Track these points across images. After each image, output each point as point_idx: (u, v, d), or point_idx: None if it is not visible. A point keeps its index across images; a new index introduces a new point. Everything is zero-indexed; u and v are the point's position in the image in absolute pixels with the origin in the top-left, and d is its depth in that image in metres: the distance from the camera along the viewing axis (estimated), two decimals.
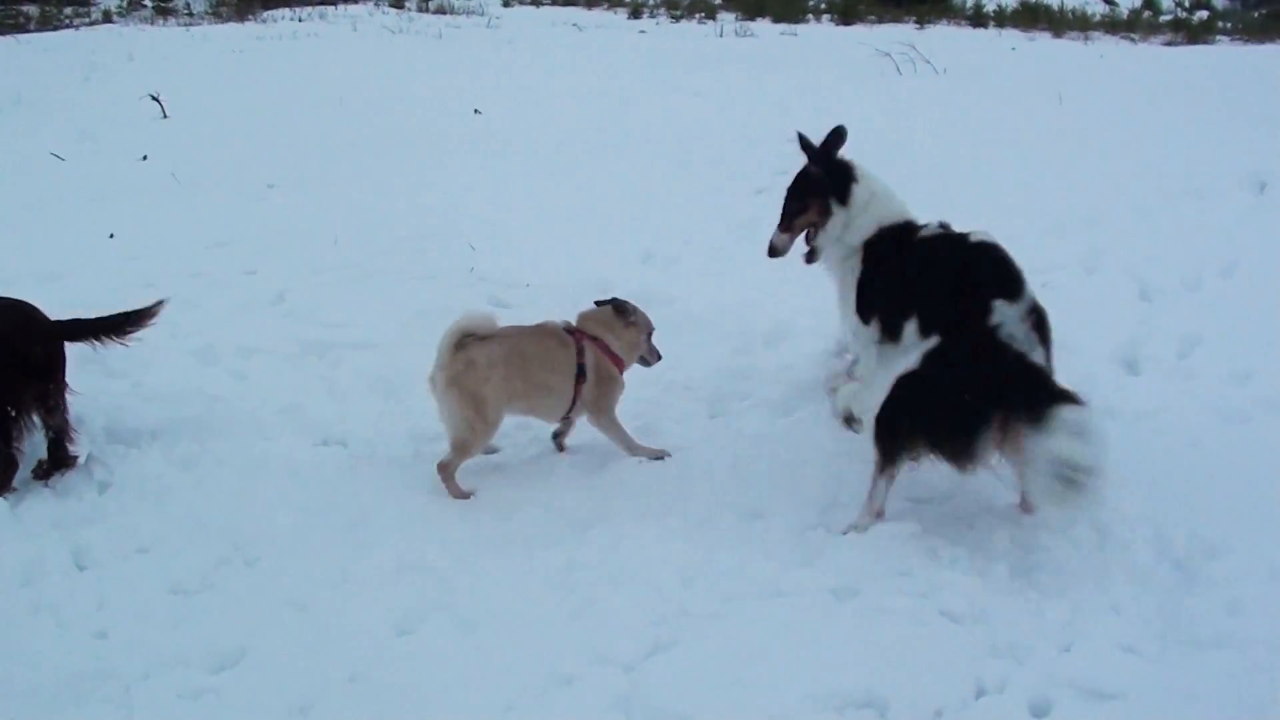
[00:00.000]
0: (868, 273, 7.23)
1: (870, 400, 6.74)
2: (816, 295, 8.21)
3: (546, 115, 16.86)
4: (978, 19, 31.37)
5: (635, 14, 31.74)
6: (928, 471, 6.92)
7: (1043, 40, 27.31)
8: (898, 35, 24.51)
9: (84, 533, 6.51)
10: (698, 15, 31.62)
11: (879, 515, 6.49)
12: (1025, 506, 6.51)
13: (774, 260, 7.67)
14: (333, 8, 30.92)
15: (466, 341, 7.11)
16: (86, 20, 30.44)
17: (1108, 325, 8.53)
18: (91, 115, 17.38)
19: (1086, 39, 27.30)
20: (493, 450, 7.65)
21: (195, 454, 7.39)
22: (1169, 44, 26.65)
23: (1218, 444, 6.93)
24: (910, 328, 6.71)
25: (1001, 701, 4.98)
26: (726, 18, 30.47)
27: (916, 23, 30.04)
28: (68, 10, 31.36)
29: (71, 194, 13.17)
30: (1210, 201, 11.18)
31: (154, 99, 17.43)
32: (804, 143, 7.45)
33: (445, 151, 14.74)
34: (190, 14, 30.72)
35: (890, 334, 6.93)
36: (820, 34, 28.25)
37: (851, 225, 7.32)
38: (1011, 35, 28.36)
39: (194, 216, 12.27)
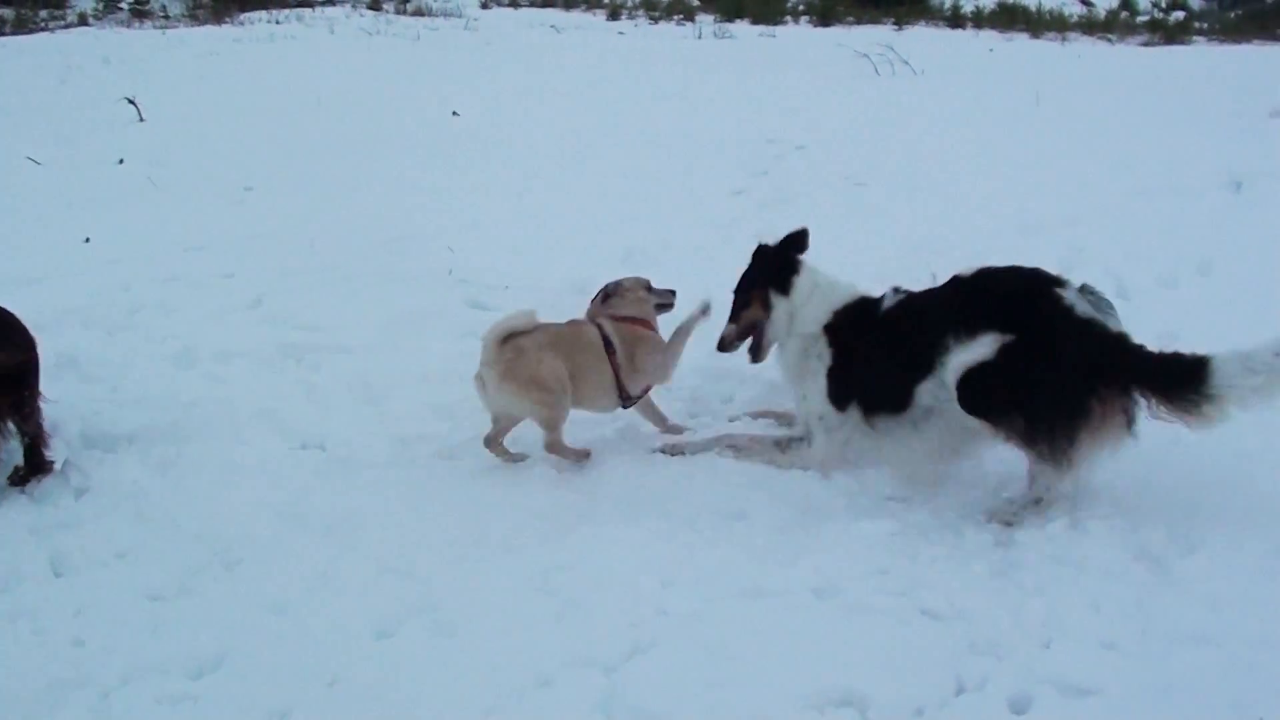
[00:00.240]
0: (843, 356, 7.26)
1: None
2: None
3: (524, 117, 16.88)
4: (955, 20, 31.51)
5: (614, 15, 31.80)
6: (909, 471, 7.00)
7: (1020, 41, 27.44)
8: (876, 36, 24.62)
9: (61, 539, 6.46)
10: (676, 17, 31.70)
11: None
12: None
13: (724, 355, 7.89)
14: (310, 10, 30.91)
15: (510, 336, 7.24)
16: (62, 23, 30.40)
17: None
18: (67, 119, 17.36)
19: (1064, 39, 27.43)
20: (520, 458, 7.63)
21: (172, 458, 7.35)
22: (1146, 44, 26.79)
23: (1196, 441, 6.91)
24: (931, 385, 6.80)
25: (982, 699, 4.96)
26: (705, 19, 30.59)
27: (894, 24, 30.18)
28: (43, 13, 31.31)
29: (47, 198, 13.16)
30: (1187, 200, 11.23)
31: (130, 102, 17.40)
32: (759, 249, 7.71)
33: (423, 154, 14.74)
34: (166, 16, 30.68)
35: (894, 406, 6.98)
36: (799, 35, 28.33)
37: (798, 315, 7.42)
38: (989, 36, 28.49)
39: (171, 220, 12.25)
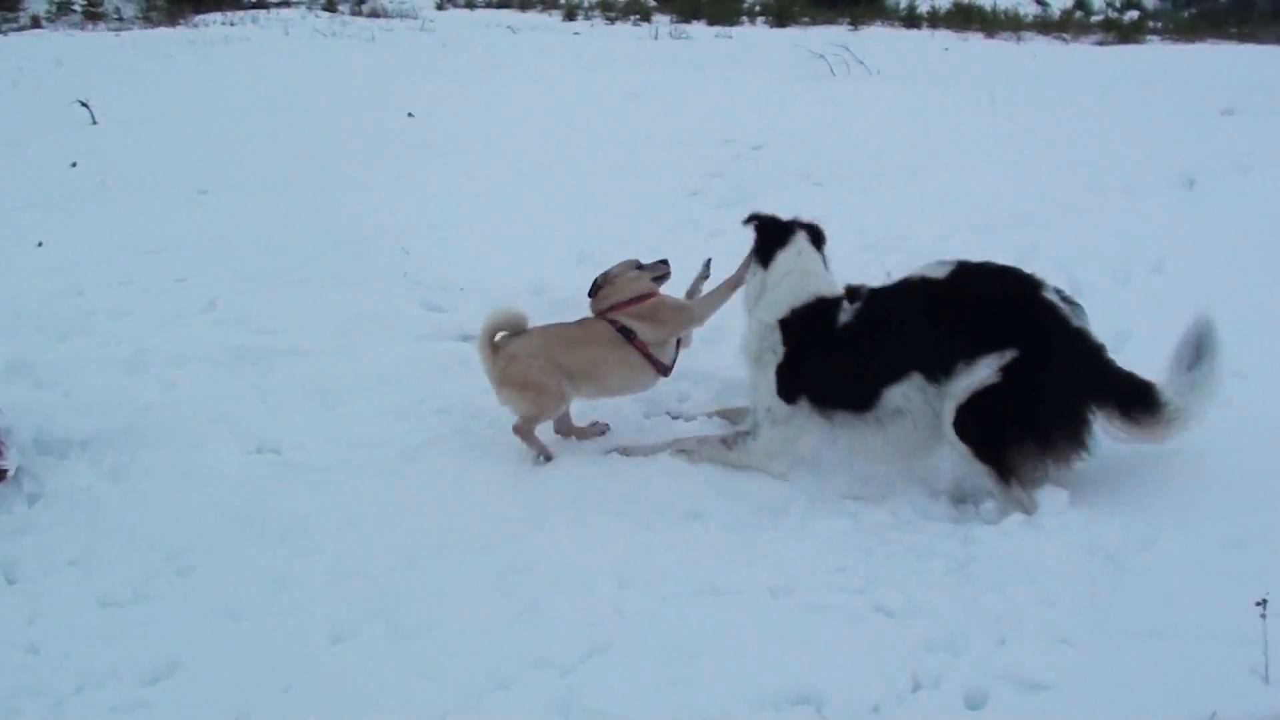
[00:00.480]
0: (794, 355, 7.27)
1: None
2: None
3: (480, 118, 16.86)
4: (911, 20, 31.64)
5: (570, 16, 31.82)
6: (865, 469, 7.05)
7: (975, 41, 27.55)
8: (832, 37, 24.68)
9: (13, 546, 6.41)
10: (632, 17, 31.72)
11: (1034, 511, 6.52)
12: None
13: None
14: (264, 12, 30.86)
15: (503, 340, 7.43)
16: (14, 25, 30.23)
17: None
18: (19, 122, 17.24)
19: (1019, 39, 27.57)
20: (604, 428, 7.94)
21: (126, 464, 7.29)
22: (1100, 43, 26.94)
23: None
24: (903, 388, 6.86)
25: (938, 695, 4.98)
26: (661, 20, 30.60)
27: (850, 24, 30.26)
28: None
29: None
30: (1140, 198, 11.31)
31: (83, 105, 17.28)
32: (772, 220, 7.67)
33: (378, 155, 14.71)
34: (120, 19, 30.55)
35: (858, 405, 7.01)
36: (755, 36, 28.38)
37: (765, 296, 7.43)
38: (944, 36, 28.59)
39: (124, 223, 12.18)
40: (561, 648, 5.35)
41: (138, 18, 30.70)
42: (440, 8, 33.26)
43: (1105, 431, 6.57)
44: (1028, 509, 6.44)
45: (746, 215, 7.73)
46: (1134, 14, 34.67)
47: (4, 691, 5.21)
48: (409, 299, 9.91)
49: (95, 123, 17.12)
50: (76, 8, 31.83)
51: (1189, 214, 10.86)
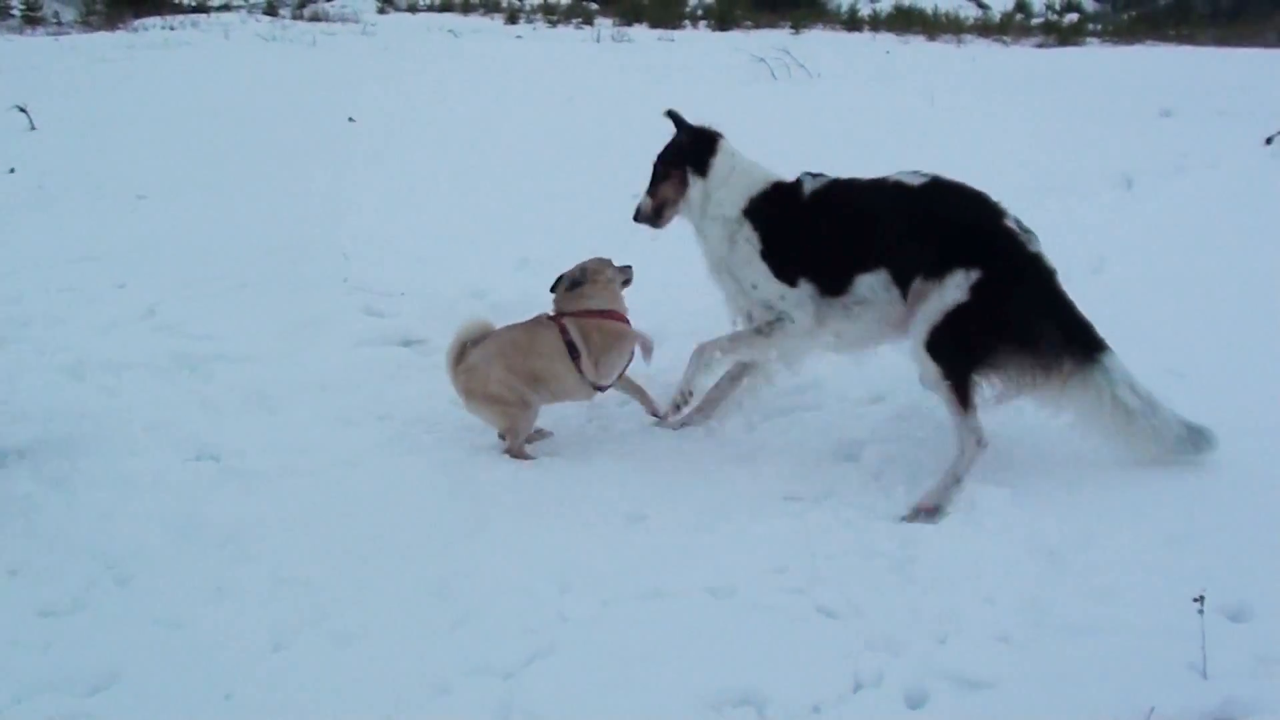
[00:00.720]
0: (772, 236, 7.38)
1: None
2: (695, 300, 8.22)
3: (422, 122, 16.82)
4: (852, 23, 31.86)
5: (512, 19, 31.81)
6: (807, 468, 7.11)
7: (916, 43, 27.69)
8: (773, 40, 24.78)
9: None
10: (575, 20, 31.73)
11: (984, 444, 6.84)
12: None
13: (646, 228, 7.90)
14: (205, 16, 30.68)
15: (466, 350, 7.41)
16: None
17: None
18: None
19: (960, 41, 27.74)
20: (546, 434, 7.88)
21: (65, 472, 7.21)
22: (1040, 46, 27.13)
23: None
24: (871, 279, 7.14)
25: (879, 694, 5.00)
26: (604, 23, 30.61)
27: (792, 28, 30.36)
28: None
29: None
30: (1079, 199, 11.43)
31: (21, 110, 17.14)
32: (676, 119, 7.77)
33: (319, 160, 14.65)
34: (59, 23, 30.35)
35: (834, 289, 7.25)
36: (697, 40, 28.42)
37: (713, 198, 7.50)
38: (886, 39, 28.75)
39: (62, 230, 12.09)
40: (503, 653, 5.34)
41: (77, 22, 30.51)
42: (382, 12, 33.23)
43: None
44: (980, 440, 6.78)
45: (664, 111, 7.85)
46: (1073, 16, 35.02)
47: None
48: (349, 304, 9.88)
49: (34, 128, 16.98)
50: (15, 12, 31.61)
51: (1128, 214, 10.99)
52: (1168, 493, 6.41)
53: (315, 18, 30.62)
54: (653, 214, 7.74)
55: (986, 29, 30.46)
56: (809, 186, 7.42)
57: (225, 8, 32.88)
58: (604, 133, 15.65)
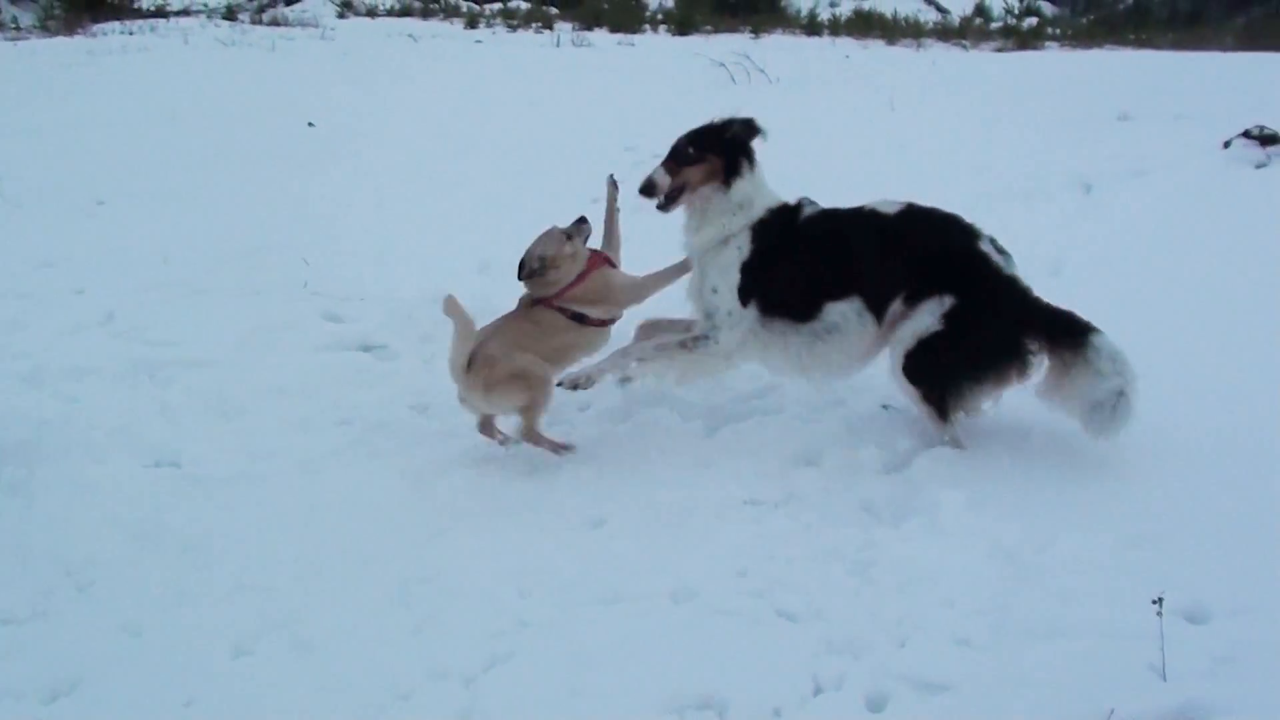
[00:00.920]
0: (761, 253, 7.45)
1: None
2: (652, 305, 8.23)
3: (381, 127, 16.77)
4: (812, 28, 31.82)
5: (471, 24, 31.68)
6: (767, 472, 7.12)
7: (876, 48, 27.67)
8: (733, 45, 24.77)
9: None
10: (534, 25, 31.66)
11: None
12: None
13: (650, 200, 7.75)
14: (164, 21, 30.47)
15: (473, 354, 7.29)
16: None
17: None
18: None
19: (919, 46, 27.73)
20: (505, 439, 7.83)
21: (23, 479, 7.20)
22: (999, 50, 27.12)
23: (1047, 438, 7.09)
24: (843, 307, 7.30)
25: (839, 698, 5.04)
26: (564, 27, 30.54)
27: (752, 32, 30.33)
28: None
29: None
30: (1038, 203, 11.47)
31: None
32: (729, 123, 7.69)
33: (278, 165, 14.58)
34: (17, 28, 30.06)
35: (801, 315, 7.38)
36: (657, 44, 28.36)
37: (746, 204, 7.51)
38: (845, 43, 28.71)
39: (20, 236, 12.02)
40: (463, 658, 5.37)
41: (36, 27, 30.26)
42: (341, 16, 33.06)
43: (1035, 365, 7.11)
44: (959, 444, 7.17)
45: (726, 121, 7.70)
46: (1032, 21, 35.00)
47: None
48: (309, 309, 9.86)
49: None
50: None
51: (1086, 218, 11.04)
52: (1126, 496, 6.45)
53: (274, 23, 30.42)
54: (669, 195, 7.62)
55: (946, 33, 30.43)
56: (805, 213, 7.55)
57: (185, 13, 32.63)
58: (564, 136, 15.64)
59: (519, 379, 7.34)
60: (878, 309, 7.25)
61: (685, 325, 7.87)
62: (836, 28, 32.16)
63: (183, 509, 6.94)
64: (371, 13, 34.08)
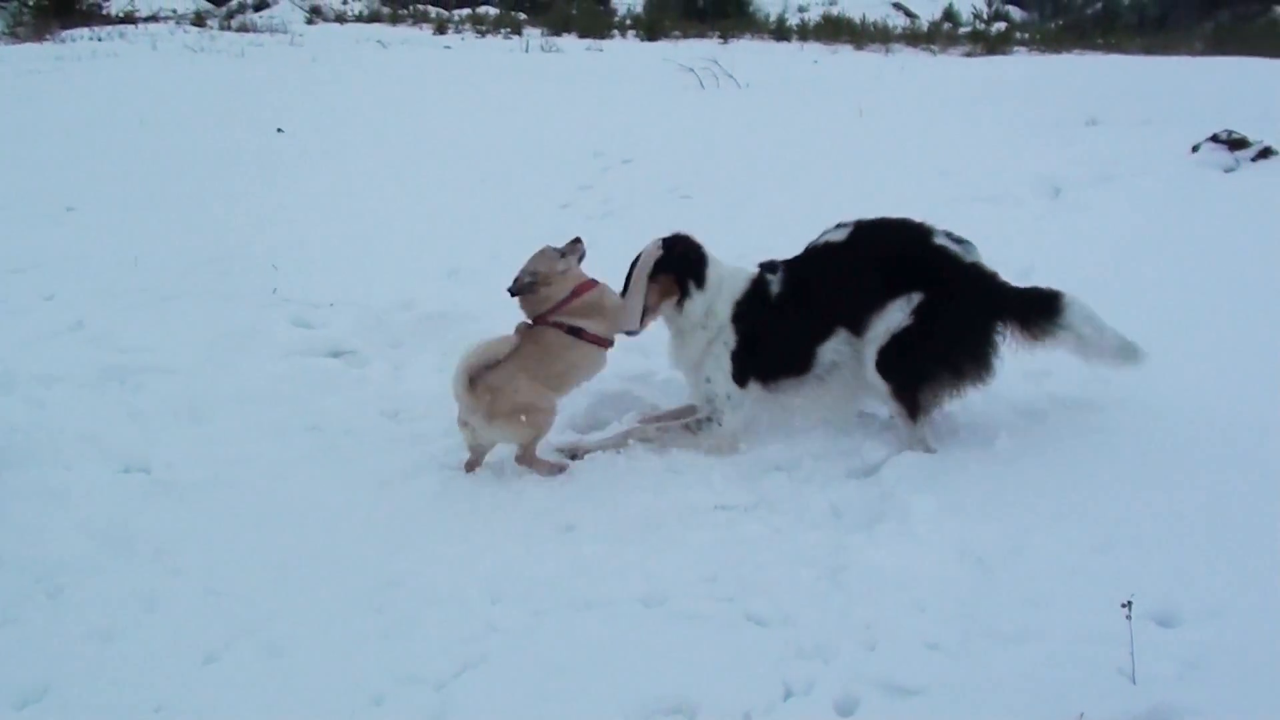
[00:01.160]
0: (746, 338, 7.68)
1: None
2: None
3: (351, 133, 16.76)
4: (781, 33, 31.84)
5: (440, 30, 31.70)
6: (737, 477, 7.16)
7: (845, 53, 27.75)
8: (702, 50, 24.81)
9: None
10: (504, 30, 31.66)
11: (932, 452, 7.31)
12: None
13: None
14: (133, 26, 30.42)
15: (476, 376, 7.21)
16: None
17: None
18: None
19: (888, 51, 27.79)
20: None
21: None
22: (968, 55, 27.23)
23: (1016, 441, 7.12)
24: (834, 344, 7.57)
25: (809, 702, 5.04)
26: (532, 33, 30.54)
27: (720, 37, 30.39)
28: None
29: None
30: (1007, 207, 11.51)
31: None
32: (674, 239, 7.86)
33: (247, 171, 14.56)
34: None
35: (800, 369, 7.63)
36: (626, 50, 28.41)
37: (710, 308, 7.71)
38: (814, 49, 28.79)
39: None
40: (434, 663, 5.36)
41: (4, 34, 30.15)
42: (310, 22, 33.03)
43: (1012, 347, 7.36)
44: (929, 447, 7.24)
45: (668, 237, 7.86)
46: (1001, 25, 35.15)
47: None
48: (278, 315, 9.83)
49: None
50: None
51: (1055, 223, 11.08)
52: (1095, 500, 6.46)
53: (243, 29, 30.39)
54: (639, 321, 7.73)
55: (914, 38, 30.47)
56: (772, 282, 7.71)
57: (153, 19, 32.61)
58: (533, 141, 15.64)
59: (521, 411, 7.29)
60: (861, 330, 7.45)
61: (685, 412, 8.03)
62: (805, 33, 32.19)
63: (152, 515, 6.91)
64: (340, 18, 34.06)
